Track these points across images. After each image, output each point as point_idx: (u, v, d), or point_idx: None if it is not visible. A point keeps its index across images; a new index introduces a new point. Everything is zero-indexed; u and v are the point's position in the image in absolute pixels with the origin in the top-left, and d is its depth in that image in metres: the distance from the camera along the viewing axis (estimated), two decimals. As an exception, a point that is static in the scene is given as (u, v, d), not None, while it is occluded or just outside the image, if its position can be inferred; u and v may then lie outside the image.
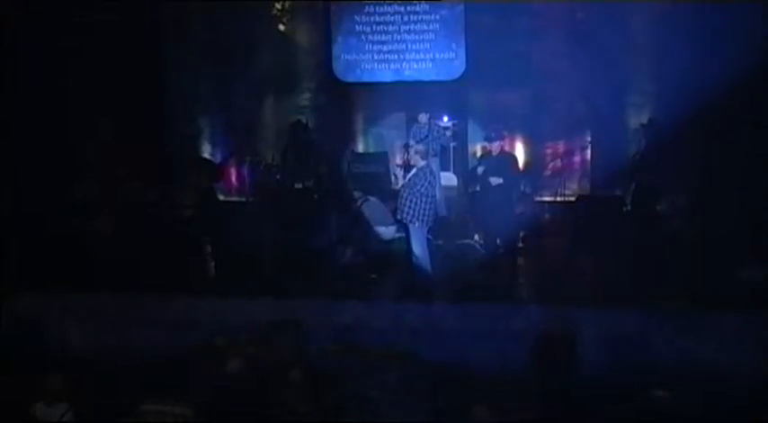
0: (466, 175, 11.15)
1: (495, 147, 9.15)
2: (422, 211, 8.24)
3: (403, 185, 8.50)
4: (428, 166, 8.46)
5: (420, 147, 8.59)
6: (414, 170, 8.40)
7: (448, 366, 6.49)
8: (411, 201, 8.25)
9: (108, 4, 10.60)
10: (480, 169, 9.12)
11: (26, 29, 10.49)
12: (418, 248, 8.34)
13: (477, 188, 9.49)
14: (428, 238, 8.69)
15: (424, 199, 8.25)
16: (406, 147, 10.23)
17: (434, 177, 8.64)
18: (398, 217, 8.49)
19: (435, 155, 10.35)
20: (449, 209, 10.35)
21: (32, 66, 10.51)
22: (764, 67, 9.03)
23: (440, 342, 6.96)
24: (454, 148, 11.33)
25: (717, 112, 9.27)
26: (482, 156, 9.70)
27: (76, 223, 9.89)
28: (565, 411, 5.68)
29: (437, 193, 10.03)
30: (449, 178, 11.17)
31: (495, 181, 8.86)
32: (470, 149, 11.49)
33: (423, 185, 8.24)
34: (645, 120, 9.77)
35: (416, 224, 8.28)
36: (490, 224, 9.03)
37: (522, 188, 9.76)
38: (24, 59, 10.46)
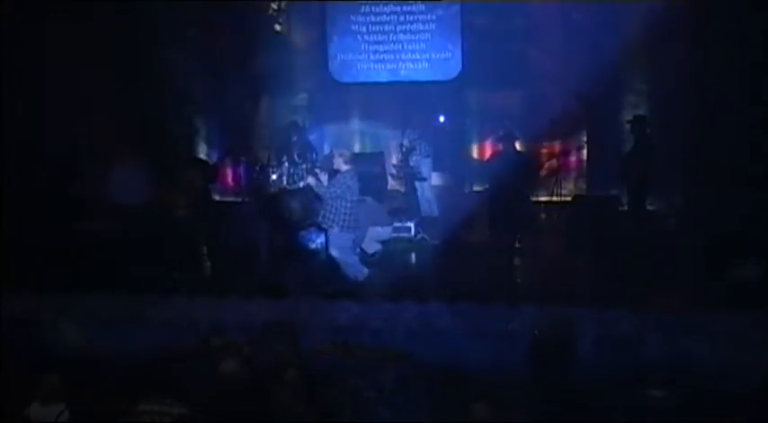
0: (462, 176, 11.18)
1: (506, 146, 9.15)
2: (342, 217, 7.98)
3: (325, 189, 8.13)
4: (351, 170, 8.13)
5: (345, 151, 8.33)
6: (336, 175, 8.13)
7: (443, 367, 6.49)
8: (331, 205, 7.99)
9: (104, 4, 10.58)
10: (491, 168, 9.10)
11: (21, 27, 10.47)
12: (340, 254, 8.10)
13: (481, 188, 9.46)
14: (424, 238, 8.61)
15: (344, 204, 7.97)
16: (401, 147, 10.25)
17: (356, 182, 8.17)
18: (318, 222, 8.25)
19: (428, 155, 10.37)
20: (442, 209, 10.37)
21: (27, 65, 10.49)
22: (759, 65, 9.06)
23: (435, 342, 6.97)
24: (449, 148, 11.32)
25: (712, 110, 9.29)
26: (493, 155, 9.66)
27: (72, 224, 9.87)
28: (562, 412, 5.70)
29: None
30: (442, 178, 11.19)
31: (505, 180, 8.84)
32: (466, 149, 11.50)
33: (342, 190, 7.96)
34: (631, 117, 9.60)
35: (335, 229, 8.03)
36: (490, 224, 9.03)
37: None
38: (17, 57, 10.44)
